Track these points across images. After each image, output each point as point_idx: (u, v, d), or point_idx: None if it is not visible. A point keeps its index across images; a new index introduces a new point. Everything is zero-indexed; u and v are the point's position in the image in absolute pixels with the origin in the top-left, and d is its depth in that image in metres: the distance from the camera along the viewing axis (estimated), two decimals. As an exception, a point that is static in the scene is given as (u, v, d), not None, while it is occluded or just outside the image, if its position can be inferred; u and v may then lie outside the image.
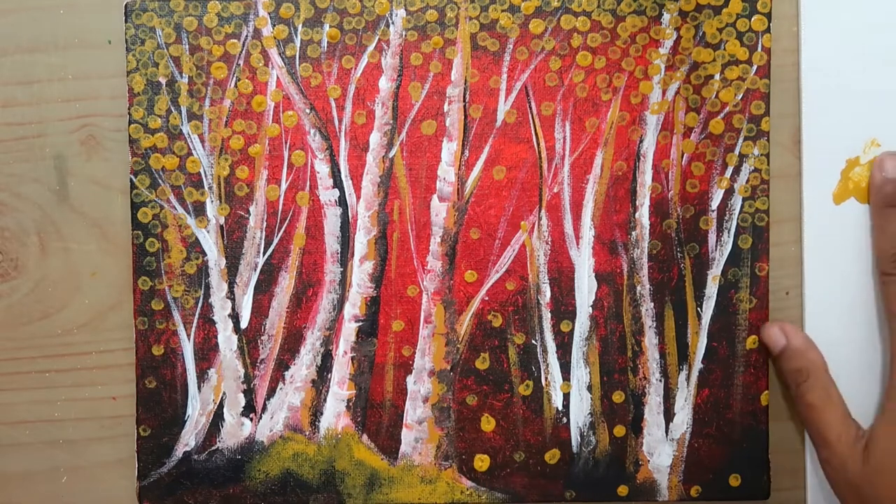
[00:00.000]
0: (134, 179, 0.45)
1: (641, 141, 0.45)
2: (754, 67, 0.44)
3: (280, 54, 0.45)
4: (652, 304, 0.45)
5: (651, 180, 0.45)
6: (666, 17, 0.44)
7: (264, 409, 0.45)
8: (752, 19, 0.44)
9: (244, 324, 0.45)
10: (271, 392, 0.45)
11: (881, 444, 0.41)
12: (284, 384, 0.45)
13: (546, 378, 0.45)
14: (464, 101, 0.45)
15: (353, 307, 0.45)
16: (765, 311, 0.45)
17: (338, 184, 0.45)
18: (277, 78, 0.45)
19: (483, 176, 0.45)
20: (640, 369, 0.45)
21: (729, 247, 0.45)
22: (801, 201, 0.45)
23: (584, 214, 0.45)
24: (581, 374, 0.45)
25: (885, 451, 0.41)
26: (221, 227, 0.45)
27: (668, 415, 0.45)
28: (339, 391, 0.45)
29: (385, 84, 0.45)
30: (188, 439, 0.45)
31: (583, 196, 0.45)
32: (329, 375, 0.45)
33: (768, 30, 0.44)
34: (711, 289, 0.45)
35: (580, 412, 0.45)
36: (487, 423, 0.45)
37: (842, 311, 0.45)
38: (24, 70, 0.45)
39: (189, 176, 0.45)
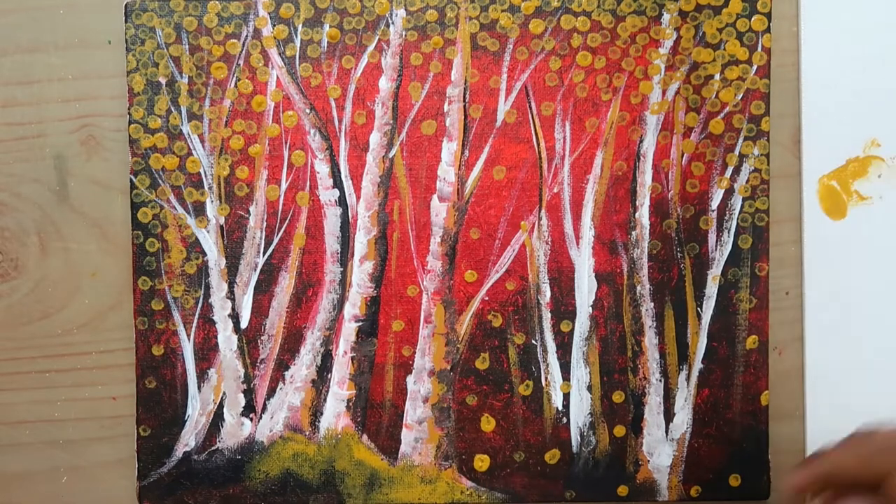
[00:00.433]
0: (134, 179, 0.45)
1: (641, 141, 0.45)
2: (754, 67, 0.44)
3: (280, 54, 0.45)
4: (652, 304, 0.45)
5: (651, 180, 0.45)
6: (666, 17, 0.44)
7: (264, 409, 0.45)
8: (752, 19, 0.44)
9: (244, 324, 0.45)
10: (271, 392, 0.45)
11: None
12: (284, 384, 0.45)
13: (546, 378, 0.45)
14: (464, 101, 0.45)
15: (353, 307, 0.45)
16: (765, 311, 0.45)
17: (338, 184, 0.45)
18: (277, 78, 0.45)
19: (483, 176, 0.45)
20: (640, 369, 0.45)
21: (729, 247, 0.45)
22: (801, 201, 0.45)
23: (584, 214, 0.45)
24: (581, 374, 0.45)
25: None
26: (221, 227, 0.45)
27: (668, 415, 0.45)
28: (339, 391, 0.45)
29: (385, 84, 0.45)
30: (188, 439, 0.45)
31: (583, 196, 0.45)
32: (329, 375, 0.45)
33: (768, 30, 0.44)
34: (711, 289, 0.45)
35: (580, 412, 0.45)
36: (487, 423, 0.45)
37: (842, 311, 0.45)
38: (24, 70, 0.45)
39: (189, 176, 0.45)
